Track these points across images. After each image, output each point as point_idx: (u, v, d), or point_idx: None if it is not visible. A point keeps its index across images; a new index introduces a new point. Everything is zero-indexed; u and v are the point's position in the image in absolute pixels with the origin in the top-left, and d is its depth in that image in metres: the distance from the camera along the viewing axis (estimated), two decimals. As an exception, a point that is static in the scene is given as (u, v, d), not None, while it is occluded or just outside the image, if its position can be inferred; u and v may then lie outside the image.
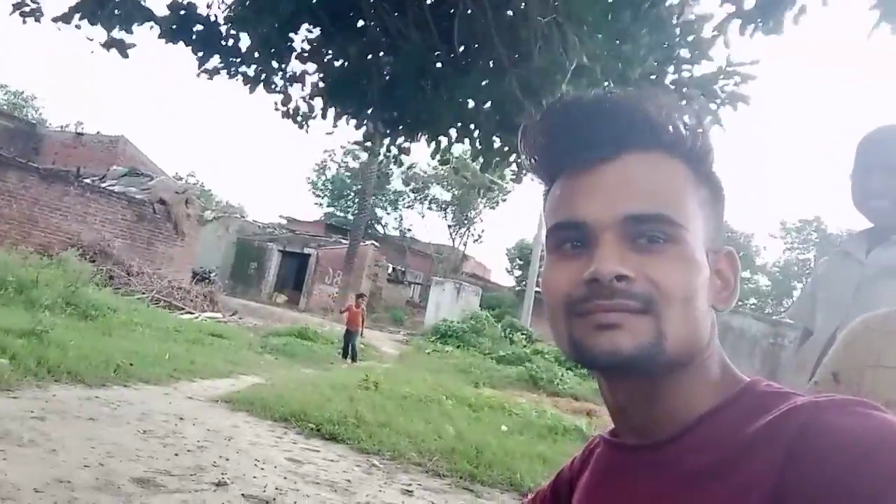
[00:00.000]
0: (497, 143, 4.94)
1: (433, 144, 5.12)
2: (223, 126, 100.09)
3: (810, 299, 2.00)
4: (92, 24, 4.97)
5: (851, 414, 0.55)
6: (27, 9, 5.14)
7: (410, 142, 5.27)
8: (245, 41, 5.11)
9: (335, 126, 5.24)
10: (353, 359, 14.23)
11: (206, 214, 24.46)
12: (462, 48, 4.38)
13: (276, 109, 5.52)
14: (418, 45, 4.37)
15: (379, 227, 42.93)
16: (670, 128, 0.66)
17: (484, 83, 4.39)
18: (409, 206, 44.11)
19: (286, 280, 30.43)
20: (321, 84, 5.15)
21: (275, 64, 5.15)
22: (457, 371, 14.90)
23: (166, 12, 4.98)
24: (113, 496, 3.74)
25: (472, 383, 12.84)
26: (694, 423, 0.63)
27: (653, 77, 4.08)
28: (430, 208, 43.64)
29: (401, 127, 5.07)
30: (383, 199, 43.32)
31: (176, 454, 4.79)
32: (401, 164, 5.87)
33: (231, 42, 5.13)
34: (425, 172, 40.87)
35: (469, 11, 4.22)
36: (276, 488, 4.53)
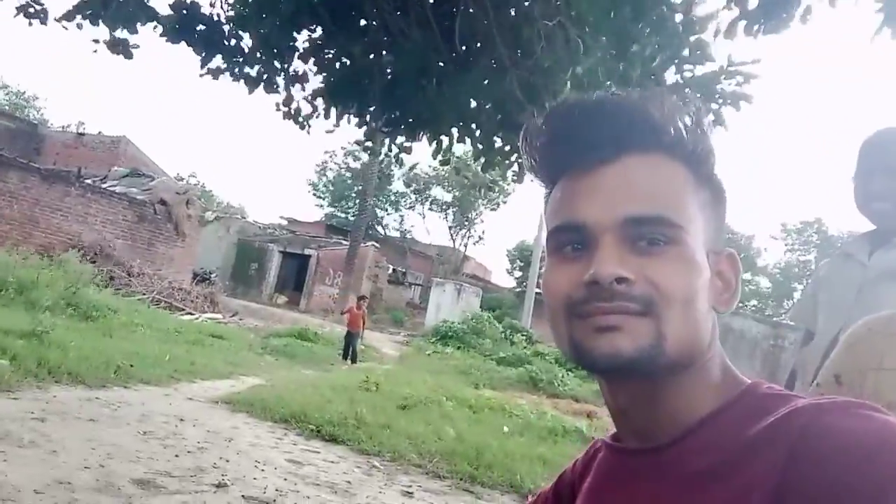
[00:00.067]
0: (498, 142, 4.94)
1: (434, 144, 5.12)
2: (224, 127, 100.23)
3: (812, 301, 2.00)
4: (94, 24, 4.97)
5: (853, 416, 0.55)
6: (32, 10, 5.15)
7: (412, 141, 5.27)
8: (247, 41, 5.11)
9: (337, 125, 5.24)
10: (354, 360, 14.24)
11: (207, 215, 24.47)
12: (464, 47, 4.38)
13: (278, 110, 5.52)
14: (420, 44, 4.37)
15: (380, 229, 42.94)
16: (671, 129, 0.66)
17: (485, 82, 4.39)
18: (410, 207, 44.16)
19: (287, 281, 30.43)
20: (323, 84, 5.15)
21: (277, 64, 5.16)
22: (457, 372, 14.90)
23: (169, 12, 4.98)
24: (113, 497, 3.74)
25: (472, 385, 12.84)
26: (695, 426, 0.63)
27: (653, 77, 4.07)
28: (430, 209, 43.70)
29: (402, 126, 5.07)
30: (384, 200, 43.34)
31: (176, 455, 4.79)
32: (402, 164, 5.87)
33: (233, 42, 5.14)
34: (426, 174, 40.91)
35: (471, 11, 4.22)
36: (277, 490, 4.53)
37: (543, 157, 0.71)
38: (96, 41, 5.04)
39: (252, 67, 5.19)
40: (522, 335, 22.89)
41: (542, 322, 27.37)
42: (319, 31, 4.89)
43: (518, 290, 35.70)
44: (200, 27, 5.06)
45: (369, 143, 5.89)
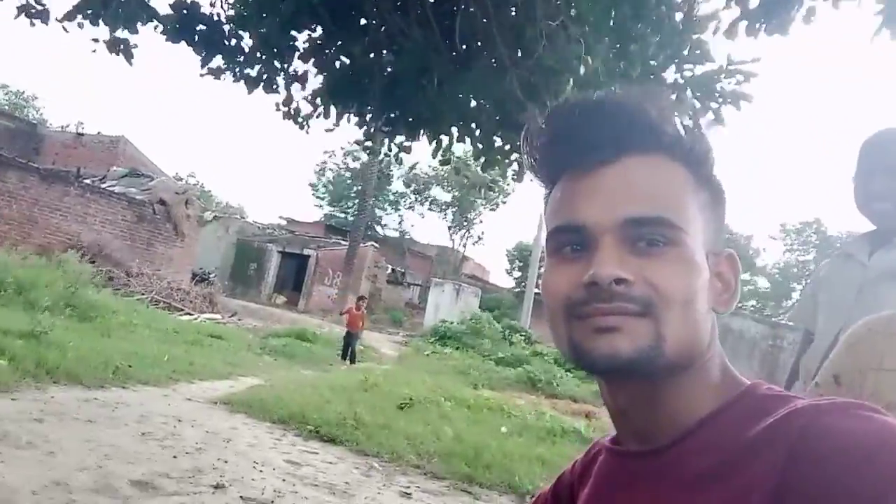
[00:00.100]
0: (498, 142, 4.95)
1: (434, 143, 5.13)
2: (223, 127, 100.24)
3: (812, 301, 2.00)
4: (94, 24, 4.97)
5: (852, 417, 0.55)
6: (33, 10, 5.15)
7: (412, 140, 5.27)
8: (247, 41, 5.11)
9: (336, 124, 5.24)
10: (353, 360, 14.24)
11: (206, 215, 24.47)
12: (464, 47, 4.38)
13: (278, 110, 5.52)
14: (420, 44, 4.37)
15: (379, 229, 42.95)
16: (670, 130, 0.66)
17: (485, 82, 4.39)
18: (409, 207, 44.18)
19: (286, 281, 30.43)
20: (323, 83, 5.15)
21: (277, 64, 5.16)
22: (456, 373, 14.91)
23: (169, 12, 4.98)
24: (111, 499, 3.73)
25: (470, 385, 12.84)
26: (695, 427, 0.63)
27: (653, 76, 4.08)
28: (430, 209, 43.72)
29: (402, 125, 5.08)
30: (383, 200, 43.35)
31: (174, 456, 4.78)
32: (401, 163, 5.86)
33: (233, 42, 5.14)
34: (426, 174, 40.94)
35: (471, 10, 4.22)
36: (275, 490, 4.52)
37: (543, 157, 0.71)
38: (96, 41, 5.04)
39: (252, 67, 5.19)
40: (521, 335, 22.90)
41: (541, 322, 27.37)
42: (319, 30, 4.89)
43: (517, 290, 35.72)
44: (200, 27, 5.06)
45: (369, 143, 5.90)
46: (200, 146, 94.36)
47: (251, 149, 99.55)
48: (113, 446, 4.65)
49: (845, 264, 1.92)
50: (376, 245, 33.01)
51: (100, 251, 16.24)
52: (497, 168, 5.30)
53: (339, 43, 4.75)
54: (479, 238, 47.48)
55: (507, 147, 4.92)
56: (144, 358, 8.06)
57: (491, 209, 43.75)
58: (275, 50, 5.01)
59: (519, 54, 4.29)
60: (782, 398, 0.61)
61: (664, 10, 3.88)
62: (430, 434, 6.92)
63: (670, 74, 4.16)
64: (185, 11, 4.95)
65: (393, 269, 35.43)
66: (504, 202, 43.68)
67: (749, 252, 43.53)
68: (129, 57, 5.12)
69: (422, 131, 5.10)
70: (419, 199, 43.51)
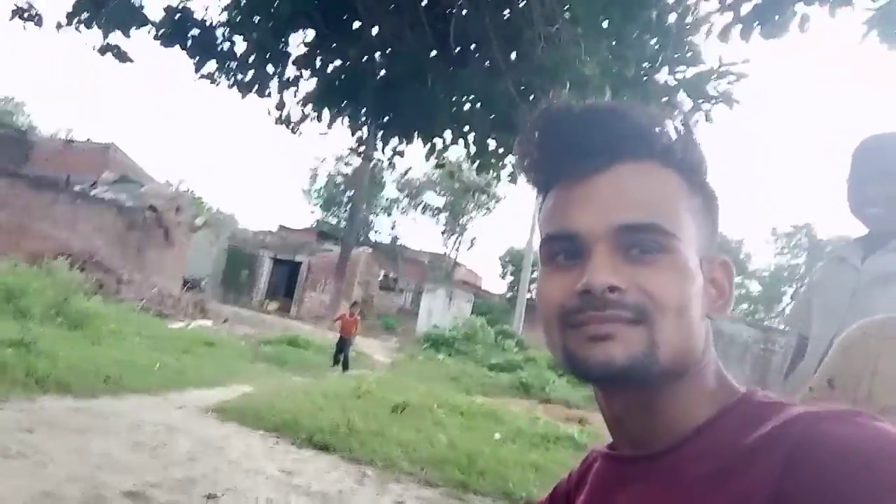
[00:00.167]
0: (492, 144, 4.95)
1: (428, 146, 5.13)
2: (214, 133, 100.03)
3: (806, 305, 2.01)
4: (88, 27, 4.96)
5: (850, 424, 0.55)
6: (27, 14, 5.14)
7: (406, 144, 5.27)
8: (240, 46, 5.10)
9: (330, 128, 5.24)
10: (346, 367, 14.21)
11: (197, 222, 24.39)
12: (458, 49, 4.38)
13: (270, 115, 5.51)
14: (413, 47, 4.38)
15: (371, 234, 42.93)
16: (662, 137, 0.66)
17: (479, 84, 4.40)
18: (403, 213, 44.19)
19: (277, 287, 30.33)
20: (316, 87, 5.14)
21: (270, 68, 5.14)
22: (449, 379, 14.91)
23: (162, 16, 4.97)
24: (102, 508, 3.70)
25: (464, 391, 12.84)
26: (691, 434, 0.63)
27: (646, 78, 4.09)
28: (422, 214, 43.76)
29: (396, 128, 5.08)
30: (376, 205, 43.35)
31: (166, 466, 4.76)
32: (394, 167, 5.86)
33: (227, 46, 5.13)
34: (418, 179, 41.00)
35: (465, 13, 4.23)
36: (268, 500, 4.50)
37: (537, 165, 0.72)
38: (95, 50, 5.03)
39: (245, 72, 5.18)
40: (513, 341, 22.92)
41: (534, 328, 27.40)
42: (312, 34, 4.88)
43: (509, 295, 35.75)
44: (193, 31, 5.04)
45: (363, 149, 5.89)
46: (191, 152, 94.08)
47: (242, 155, 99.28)
48: (104, 456, 4.62)
49: (839, 268, 1.93)
50: (369, 251, 32.97)
51: (90, 258, 16.16)
52: (491, 171, 5.30)
53: (333, 46, 4.74)
54: (472, 243, 47.58)
55: (502, 150, 4.93)
56: (135, 366, 8.02)
57: (483, 215, 43.86)
58: (268, 54, 5.00)
59: (513, 57, 4.30)
60: (779, 405, 0.61)
61: (654, 15, 3.90)
62: (423, 441, 6.90)
63: (662, 76, 4.18)
64: (177, 16, 4.94)
65: (385, 275, 35.40)
66: (495, 208, 43.82)
67: (740, 256, 43.73)
68: (122, 59, 5.11)
69: (415, 134, 5.10)
70: (412, 203, 43.54)
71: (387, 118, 5.01)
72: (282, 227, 38.12)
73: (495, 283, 45.03)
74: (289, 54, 5.05)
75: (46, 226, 16.03)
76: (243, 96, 5.23)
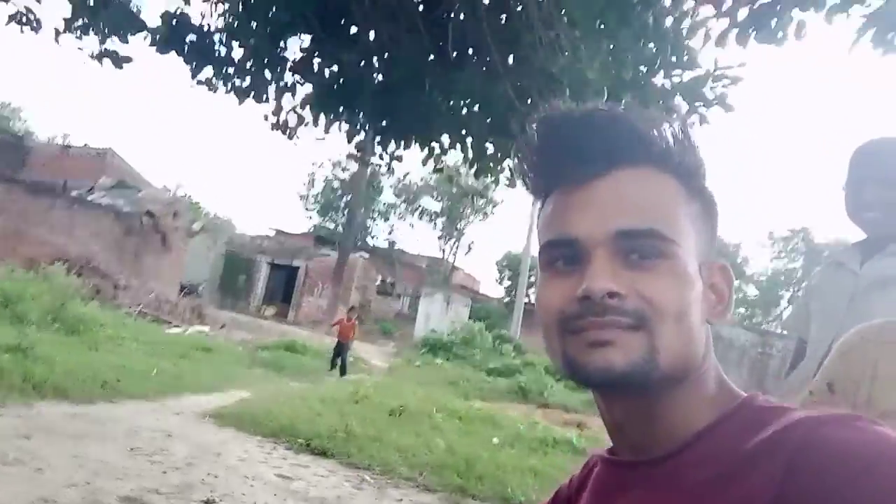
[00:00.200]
0: (490, 149, 4.96)
1: (426, 151, 5.14)
2: (211, 139, 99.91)
3: (804, 310, 2.01)
4: (85, 33, 4.96)
5: (851, 428, 0.55)
6: (25, 19, 5.14)
7: (404, 148, 5.28)
8: (237, 51, 5.10)
9: (327, 132, 5.24)
10: (343, 372, 14.19)
11: (195, 227, 24.35)
12: (455, 53, 4.39)
13: (267, 120, 5.51)
14: (411, 51, 4.38)
15: (369, 239, 42.90)
16: (660, 142, 0.66)
17: (477, 87, 4.40)
18: (400, 218, 44.17)
19: (275, 292, 30.27)
20: (312, 92, 5.14)
21: (267, 74, 5.15)
22: (447, 383, 14.89)
23: (159, 23, 4.97)
24: (99, 514, 3.69)
25: (462, 396, 12.82)
26: (692, 439, 0.63)
27: (643, 83, 4.10)
28: (420, 219, 43.74)
29: (393, 133, 5.08)
30: (373, 211, 43.33)
31: (164, 472, 4.74)
32: (393, 172, 5.85)
33: (224, 52, 5.13)
34: (416, 184, 41.00)
35: (462, 17, 4.24)
36: (266, 504, 4.49)
37: (536, 169, 0.71)
38: (91, 55, 5.03)
39: (242, 78, 5.18)
40: (511, 345, 22.90)
41: (532, 332, 27.39)
42: (310, 40, 4.89)
43: (507, 300, 35.74)
44: (190, 37, 5.04)
45: (359, 154, 5.89)
46: (188, 158, 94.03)
47: (239, 160, 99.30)
48: (101, 462, 4.61)
49: (837, 273, 1.93)
50: (366, 256, 32.94)
51: (87, 264, 16.12)
52: (489, 175, 5.31)
53: (330, 52, 4.75)
54: (469, 248, 47.60)
55: (499, 154, 4.93)
56: (132, 372, 8.00)
57: (480, 220, 43.86)
58: (265, 60, 5.01)
59: (511, 61, 4.31)
60: (779, 410, 0.61)
61: (649, 19, 3.91)
62: (421, 446, 6.89)
63: (659, 79, 4.19)
64: (174, 22, 4.94)
65: (383, 280, 35.36)
66: (492, 213, 43.83)
67: (737, 260, 43.78)
68: (118, 64, 5.12)
69: (413, 139, 5.11)
70: (409, 208, 43.53)
71: (385, 123, 5.01)
72: (279, 232, 38.08)
73: (493, 288, 45.01)
74: (286, 59, 5.05)
75: (43, 231, 16.00)
76: (240, 102, 5.23)
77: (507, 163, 4.99)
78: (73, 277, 14.28)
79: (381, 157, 5.44)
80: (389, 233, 44.47)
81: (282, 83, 5.21)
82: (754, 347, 20.84)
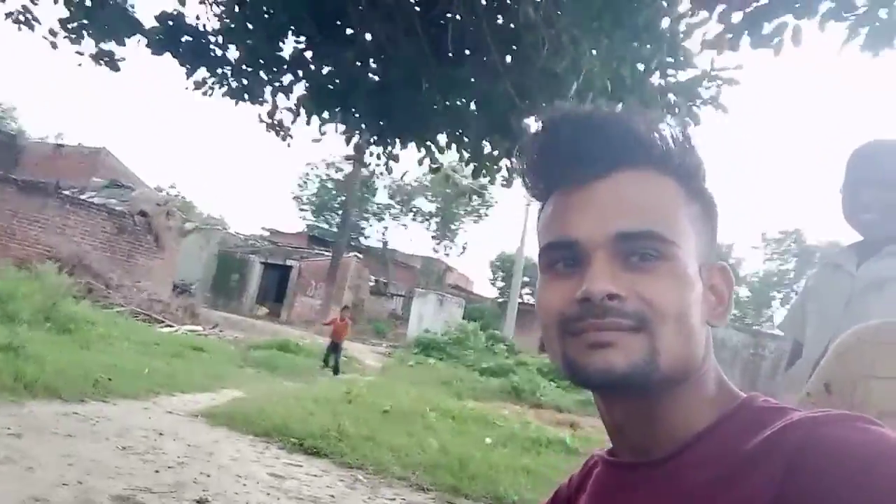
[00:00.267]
0: (487, 148, 4.97)
1: (423, 150, 5.14)
2: (205, 138, 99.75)
3: (800, 311, 2.01)
4: (80, 36, 4.95)
5: (850, 428, 0.55)
6: (22, 17, 5.13)
7: (402, 148, 5.28)
8: (233, 52, 5.09)
9: (323, 133, 5.24)
10: (336, 371, 14.19)
11: (188, 226, 24.27)
12: (451, 54, 4.40)
13: (262, 121, 5.50)
14: (408, 52, 4.39)
15: (362, 240, 42.85)
16: (660, 144, 0.66)
17: (477, 86, 4.42)
18: (394, 218, 44.14)
19: (268, 292, 30.22)
20: (308, 92, 5.14)
21: (263, 75, 5.14)
22: (440, 383, 14.87)
23: (154, 24, 4.96)
24: (91, 514, 3.67)
25: (455, 395, 12.81)
26: (692, 440, 0.63)
27: (641, 83, 4.13)
28: (414, 219, 43.71)
29: (390, 133, 5.09)
30: (367, 211, 43.29)
31: (156, 471, 4.72)
32: (391, 171, 5.86)
33: (219, 53, 5.12)
34: (409, 184, 40.94)
35: (459, 18, 4.25)
36: (259, 504, 4.48)
37: (535, 172, 0.72)
38: (80, 54, 5.02)
39: (238, 79, 5.17)
40: (504, 345, 22.91)
41: (525, 332, 27.41)
42: (306, 40, 4.89)
43: (500, 300, 35.75)
44: (186, 38, 5.03)
45: (356, 155, 5.89)
46: (182, 157, 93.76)
47: (233, 160, 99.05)
48: (93, 461, 4.58)
49: (834, 275, 1.94)
50: (359, 256, 32.91)
51: (79, 263, 16.03)
52: (487, 174, 5.31)
53: (326, 53, 4.75)
54: (463, 249, 47.58)
55: (497, 153, 4.95)
56: (125, 371, 7.96)
57: (474, 221, 43.85)
58: (261, 61, 5.00)
59: (509, 59, 4.33)
60: (779, 410, 0.62)
61: (642, 22, 3.93)
62: (414, 445, 6.89)
63: (655, 79, 4.22)
64: (170, 23, 4.93)
65: (376, 280, 35.33)
66: (487, 215, 43.82)
67: (730, 261, 43.95)
68: (114, 68, 5.10)
69: (410, 139, 5.12)
70: (403, 210, 43.50)
71: (381, 122, 5.02)
72: (273, 232, 38.03)
73: (486, 288, 45.06)
74: (282, 60, 5.05)
75: (35, 230, 15.91)
76: (236, 102, 5.23)
77: (504, 162, 5.00)
78: (65, 276, 14.20)
79: (378, 157, 5.45)
80: (383, 233, 44.47)
81: (277, 84, 5.21)
82: (746, 348, 20.92)
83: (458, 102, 4.73)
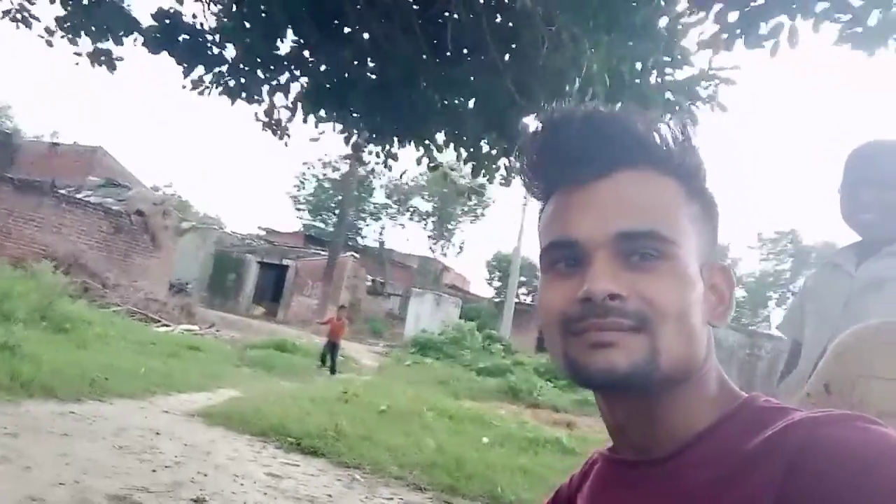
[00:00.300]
0: (485, 147, 4.98)
1: (421, 149, 5.14)
2: (201, 138, 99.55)
3: (799, 312, 2.01)
4: (76, 35, 4.94)
5: (850, 428, 0.55)
6: (20, 16, 5.12)
7: (400, 147, 5.28)
8: (231, 51, 5.08)
9: (321, 132, 5.24)
10: (333, 370, 14.18)
11: (184, 226, 24.22)
12: (448, 53, 4.40)
13: (258, 120, 5.49)
14: (405, 51, 4.39)
15: (359, 239, 42.82)
16: (660, 144, 0.66)
17: (476, 84, 4.42)
18: (391, 218, 44.11)
19: (264, 292, 30.16)
20: (306, 90, 5.14)
21: (260, 74, 5.13)
22: (437, 383, 14.87)
23: (152, 23, 4.95)
24: (88, 514, 3.67)
25: (451, 395, 12.81)
26: (693, 440, 0.63)
27: (639, 81, 4.13)
28: (411, 219, 43.71)
29: (388, 131, 5.08)
30: (364, 211, 43.26)
31: (153, 470, 4.71)
32: (391, 169, 5.85)
33: (217, 51, 5.11)
34: (407, 184, 40.94)
35: (456, 16, 4.25)
36: (256, 504, 4.48)
37: (536, 173, 0.72)
38: (78, 54, 5.00)
39: (235, 78, 5.16)
40: (501, 345, 22.92)
41: (522, 332, 27.43)
42: (304, 40, 4.88)
43: (497, 300, 35.76)
44: (183, 37, 5.02)
45: (352, 152, 5.89)
46: (178, 157, 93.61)
47: (229, 159, 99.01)
48: (90, 460, 4.58)
49: (832, 275, 1.94)
50: (356, 255, 32.88)
51: (75, 262, 16.00)
52: (486, 174, 5.31)
53: (324, 52, 4.74)
54: (461, 249, 47.60)
55: (495, 152, 4.95)
56: (121, 370, 7.94)
57: (471, 221, 43.88)
58: (258, 60, 4.99)
59: (508, 57, 4.33)
60: (780, 410, 0.62)
61: (641, 18, 3.93)
62: (411, 445, 6.89)
63: (652, 78, 4.22)
64: (167, 21, 4.92)
65: (373, 280, 35.31)
66: (483, 215, 43.84)
67: (727, 261, 44.00)
68: (111, 67, 5.09)
69: (409, 138, 5.12)
70: (400, 209, 43.49)
71: (379, 121, 5.02)
72: (269, 231, 37.97)
73: (483, 288, 45.10)
74: (280, 59, 5.04)
75: (31, 229, 15.87)
76: (233, 101, 5.22)
77: (503, 161, 5.01)
78: (61, 276, 14.16)
79: (377, 154, 5.44)
80: (380, 233, 44.45)
81: (275, 82, 5.20)
82: (742, 349, 20.96)
83: (456, 101, 4.73)
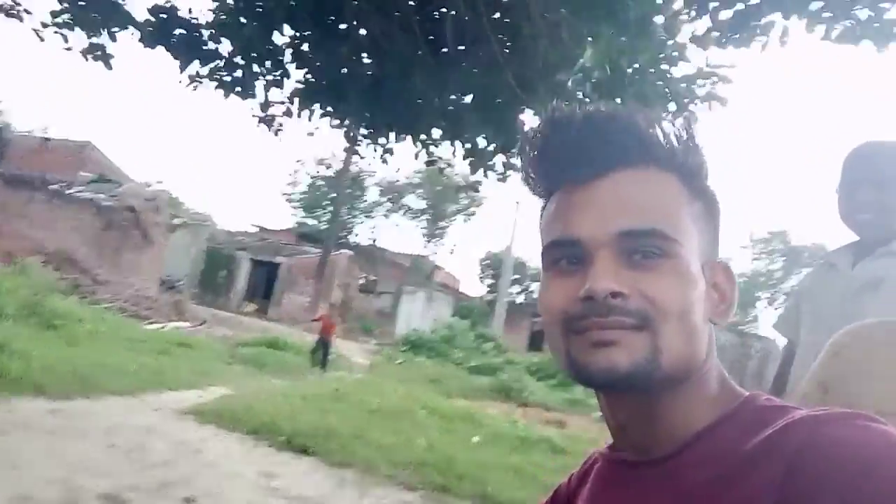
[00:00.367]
0: (482, 143, 4.98)
1: (418, 144, 5.14)
2: (193, 134, 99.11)
3: (795, 312, 2.02)
4: (70, 29, 4.90)
5: (850, 427, 0.55)
6: (13, 11, 5.07)
7: (397, 142, 5.27)
8: (226, 46, 5.06)
9: (316, 128, 5.24)
10: (323, 367, 14.18)
11: (175, 222, 24.13)
12: (444, 50, 4.40)
13: (254, 116, 5.47)
14: (403, 47, 4.38)
15: (352, 237, 42.80)
16: (662, 143, 0.66)
17: (475, 79, 4.41)
18: (384, 216, 44.12)
19: (256, 289, 30.08)
20: (303, 85, 5.12)
21: (256, 68, 5.11)
22: (428, 381, 14.89)
23: (146, 17, 4.92)
24: (77, 512, 3.64)
25: (443, 394, 12.82)
26: (692, 440, 0.63)
27: (637, 78, 4.14)
28: (403, 216, 43.76)
29: (385, 126, 5.08)
30: (357, 208, 43.24)
31: (143, 469, 4.70)
32: (387, 163, 5.85)
33: (212, 46, 5.08)
34: (398, 181, 40.95)
35: (454, 13, 4.24)
36: (247, 503, 4.46)
37: (538, 171, 0.72)
38: (69, 49, 4.96)
39: (231, 72, 5.14)
40: (493, 344, 22.96)
41: (513, 331, 27.49)
42: (300, 35, 4.87)
43: (489, 298, 35.81)
44: (179, 31, 4.99)
45: (355, 148, 5.89)
46: (169, 153, 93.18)
47: (221, 156, 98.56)
48: (79, 459, 4.55)
49: (829, 275, 1.95)
50: (349, 253, 32.84)
51: (66, 258, 15.92)
52: (482, 169, 5.31)
53: (320, 48, 4.73)
54: (453, 247, 47.65)
55: (492, 148, 4.96)
56: (111, 367, 7.91)
57: (464, 219, 43.94)
58: (254, 55, 4.97)
59: (507, 51, 4.33)
60: (781, 409, 0.61)
61: (634, 15, 3.94)
62: (403, 444, 6.89)
63: (651, 76, 4.23)
64: (163, 16, 4.89)
65: (365, 278, 35.28)
66: (476, 212, 43.91)
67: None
68: (106, 63, 5.05)
69: (406, 133, 5.11)
70: (393, 207, 43.52)
71: (375, 117, 5.01)
72: (261, 229, 37.87)
73: (475, 286, 45.25)
74: (276, 54, 5.03)
75: (21, 225, 15.78)
76: (226, 96, 5.19)
77: (500, 157, 5.01)
78: (51, 272, 14.10)
79: (374, 149, 5.44)
80: (372, 231, 44.48)
81: (270, 77, 5.19)
82: (733, 348, 21.05)
83: (453, 97, 4.73)
